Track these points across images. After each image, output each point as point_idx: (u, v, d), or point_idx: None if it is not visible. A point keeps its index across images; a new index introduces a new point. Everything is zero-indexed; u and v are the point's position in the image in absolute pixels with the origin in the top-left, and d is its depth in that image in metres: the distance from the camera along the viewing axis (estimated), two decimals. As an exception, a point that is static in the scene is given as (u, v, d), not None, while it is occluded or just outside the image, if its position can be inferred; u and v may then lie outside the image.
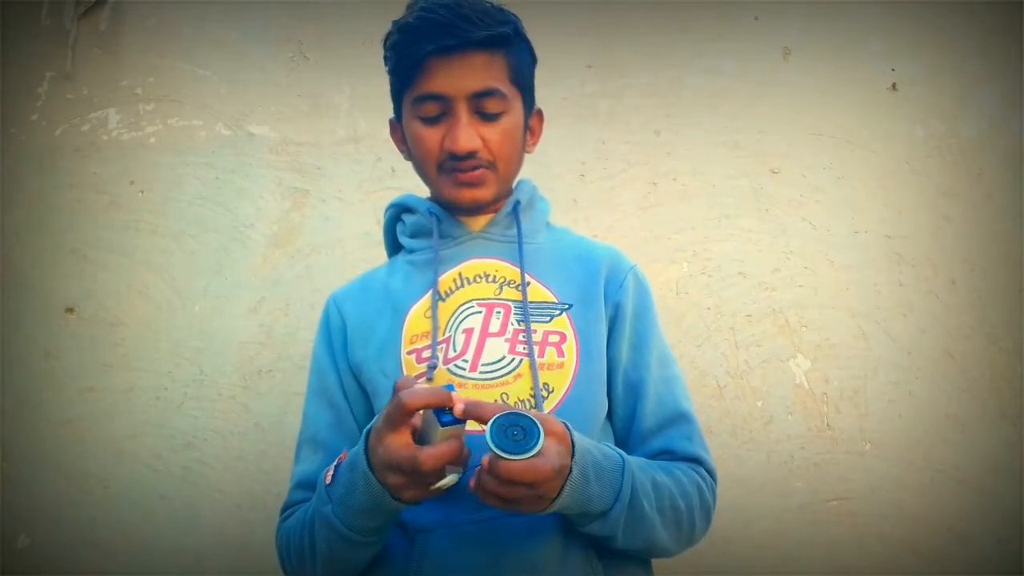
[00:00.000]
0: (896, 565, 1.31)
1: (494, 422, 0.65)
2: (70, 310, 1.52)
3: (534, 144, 1.02)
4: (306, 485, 0.91)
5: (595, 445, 0.77)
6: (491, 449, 0.64)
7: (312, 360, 1.00)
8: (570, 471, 0.70)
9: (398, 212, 1.04)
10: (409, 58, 0.88)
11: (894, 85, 1.54)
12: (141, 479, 1.42)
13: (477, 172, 0.90)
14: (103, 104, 1.62)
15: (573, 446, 0.72)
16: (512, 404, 0.84)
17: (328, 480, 0.78)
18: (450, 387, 0.70)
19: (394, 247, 1.07)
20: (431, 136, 0.90)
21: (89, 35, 1.66)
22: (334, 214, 1.54)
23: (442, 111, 0.89)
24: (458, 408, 0.68)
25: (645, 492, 0.79)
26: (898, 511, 1.34)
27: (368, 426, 0.75)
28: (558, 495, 0.70)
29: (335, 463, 0.79)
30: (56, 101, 1.62)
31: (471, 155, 0.89)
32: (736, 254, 1.48)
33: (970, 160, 1.50)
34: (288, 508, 0.93)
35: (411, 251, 1.00)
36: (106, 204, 1.57)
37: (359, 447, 0.75)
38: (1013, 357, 1.40)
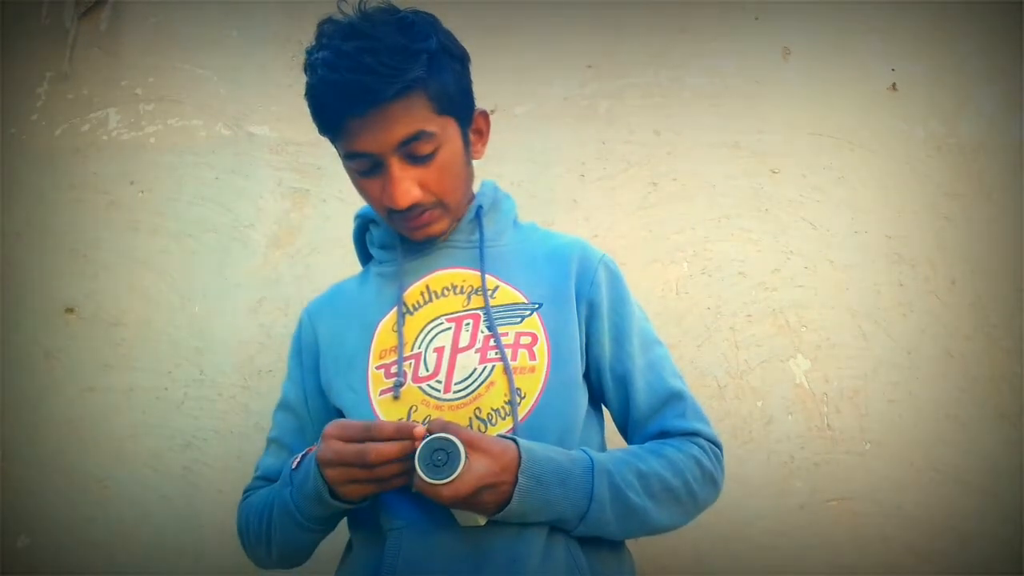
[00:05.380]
0: (896, 565, 1.31)
1: (424, 444, 0.72)
2: (70, 310, 1.52)
3: (482, 148, 0.98)
4: (268, 477, 0.97)
5: (561, 452, 0.80)
6: (415, 470, 0.72)
7: (287, 367, 1.03)
8: (516, 481, 0.75)
9: (365, 222, 1.04)
10: (326, 121, 0.86)
11: (894, 85, 1.54)
12: (141, 479, 1.43)
13: (424, 216, 0.89)
14: (103, 104, 1.61)
15: (521, 459, 0.75)
16: (485, 415, 0.85)
17: (294, 466, 0.84)
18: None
19: (364, 255, 1.06)
20: (371, 187, 0.89)
21: (89, 35, 1.66)
22: (334, 214, 1.54)
23: (373, 164, 0.86)
24: (418, 431, 0.73)
25: (628, 485, 0.82)
26: (898, 511, 1.33)
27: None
28: (507, 503, 0.74)
29: (304, 452, 0.85)
30: (56, 101, 1.62)
31: (413, 207, 0.87)
32: (736, 254, 1.48)
33: (970, 160, 1.50)
34: (249, 491, 0.98)
35: (380, 262, 1.00)
36: (106, 204, 1.57)
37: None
38: (1013, 357, 1.40)
